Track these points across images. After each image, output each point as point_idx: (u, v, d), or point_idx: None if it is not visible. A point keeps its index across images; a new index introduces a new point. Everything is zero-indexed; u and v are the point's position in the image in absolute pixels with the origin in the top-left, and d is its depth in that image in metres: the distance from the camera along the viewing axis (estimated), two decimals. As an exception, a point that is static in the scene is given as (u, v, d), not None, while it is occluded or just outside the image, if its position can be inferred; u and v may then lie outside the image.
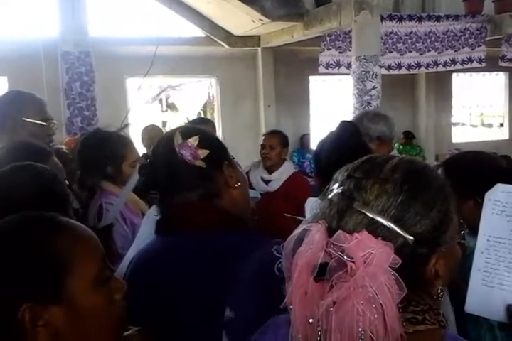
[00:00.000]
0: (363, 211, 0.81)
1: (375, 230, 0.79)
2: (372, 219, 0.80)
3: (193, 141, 1.27)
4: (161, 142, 1.34)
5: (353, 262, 0.76)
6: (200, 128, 1.40)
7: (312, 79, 9.13)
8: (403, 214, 0.81)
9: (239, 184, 1.33)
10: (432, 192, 0.85)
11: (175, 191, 1.28)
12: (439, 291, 0.87)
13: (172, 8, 7.76)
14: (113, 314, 0.98)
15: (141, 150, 4.34)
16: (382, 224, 0.80)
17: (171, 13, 7.88)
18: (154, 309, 1.23)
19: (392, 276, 0.76)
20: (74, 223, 1.01)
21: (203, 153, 1.27)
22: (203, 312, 1.18)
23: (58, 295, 0.90)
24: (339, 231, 0.79)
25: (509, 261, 1.41)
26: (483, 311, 1.43)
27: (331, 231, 0.81)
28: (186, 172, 1.26)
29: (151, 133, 4.77)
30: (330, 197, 0.86)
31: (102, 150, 2.38)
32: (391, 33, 6.88)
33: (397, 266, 0.76)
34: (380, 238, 0.78)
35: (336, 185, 0.87)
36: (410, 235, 0.80)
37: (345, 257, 0.76)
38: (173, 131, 1.32)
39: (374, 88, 5.42)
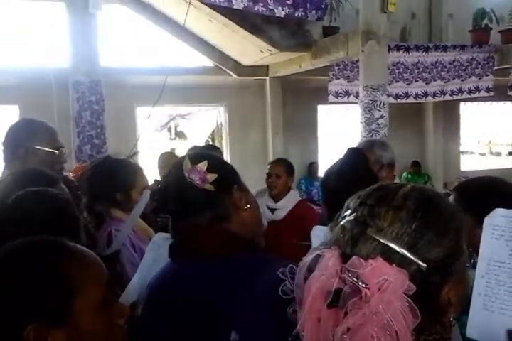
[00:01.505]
0: (377, 237, 0.81)
1: (389, 257, 0.79)
2: (386, 245, 0.80)
3: (202, 165, 1.30)
4: (172, 168, 1.38)
5: (368, 288, 0.76)
6: (209, 153, 1.43)
7: (320, 108, 9.20)
8: (417, 241, 0.81)
9: (248, 206, 1.35)
10: (444, 220, 0.86)
11: (185, 215, 1.30)
12: (451, 319, 0.86)
13: (181, 39, 7.90)
14: (115, 337, 1.00)
15: (157, 176, 4.36)
16: (396, 251, 0.80)
17: (180, 44, 8.02)
18: (165, 331, 1.26)
19: (407, 303, 0.76)
20: (81, 248, 1.03)
21: (212, 177, 1.29)
22: (209, 335, 1.19)
23: (63, 318, 0.92)
24: (354, 257, 0.79)
25: (509, 285, 1.41)
26: (484, 336, 1.41)
27: (344, 257, 0.81)
28: (196, 196, 1.29)
29: (166, 160, 4.80)
30: (342, 223, 0.86)
31: (112, 177, 2.40)
32: (398, 62, 6.95)
33: (411, 293, 0.76)
34: (394, 265, 0.78)
35: (349, 211, 0.88)
36: (423, 262, 0.80)
37: (360, 283, 0.76)
38: (182, 157, 1.35)
39: (381, 117, 5.44)
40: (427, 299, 0.81)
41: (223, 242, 1.27)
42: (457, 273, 0.85)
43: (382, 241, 0.80)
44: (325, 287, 0.79)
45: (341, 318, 0.76)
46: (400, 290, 0.76)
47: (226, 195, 1.32)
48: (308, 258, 0.84)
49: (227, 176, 1.35)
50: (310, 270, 0.83)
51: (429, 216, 0.84)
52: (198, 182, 1.28)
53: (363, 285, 0.76)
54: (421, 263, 0.80)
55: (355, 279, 0.77)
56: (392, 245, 0.80)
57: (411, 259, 0.80)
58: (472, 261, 0.99)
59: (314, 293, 0.79)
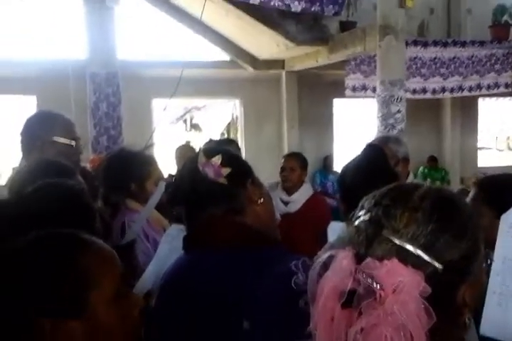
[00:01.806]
0: (393, 239, 0.80)
1: (405, 258, 0.79)
2: (402, 246, 0.80)
3: (216, 159, 1.32)
4: (187, 162, 1.40)
5: (383, 290, 0.75)
6: (223, 148, 1.46)
7: (336, 101, 9.17)
8: (433, 242, 0.81)
9: (262, 200, 1.37)
10: (461, 222, 0.85)
11: (199, 208, 1.32)
12: (467, 320, 0.86)
13: (198, 32, 7.90)
14: (129, 328, 1.02)
15: (173, 168, 4.39)
16: (411, 252, 0.79)
17: (197, 37, 8.03)
18: (179, 320, 1.29)
19: (422, 305, 0.75)
20: (97, 241, 1.04)
21: (226, 170, 1.31)
22: (221, 324, 1.21)
23: (78, 311, 0.94)
24: (369, 258, 0.79)
25: (524, 284, 1.40)
26: (498, 334, 1.41)
27: (358, 258, 0.80)
28: (210, 189, 1.30)
29: (183, 153, 4.84)
30: (357, 223, 0.86)
31: (127, 168, 2.42)
32: (415, 58, 6.90)
33: (427, 295, 0.76)
34: (409, 266, 0.78)
35: (363, 211, 0.87)
36: (440, 264, 0.80)
37: (375, 284, 0.76)
38: (197, 152, 1.37)
39: (399, 111, 5.41)
40: (443, 300, 0.81)
41: (237, 234, 1.29)
42: (473, 274, 0.85)
43: (398, 242, 0.80)
44: (339, 287, 0.78)
45: (355, 319, 0.76)
46: (415, 292, 0.75)
47: (240, 188, 1.33)
48: (322, 257, 0.84)
49: (241, 170, 1.36)
50: (325, 266, 0.83)
51: (446, 217, 0.84)
52: (212, 175, 1.30)
53: (378, 287, 0.75)
54: (437, 265, 0.79)
55: (369, 280, 0.76)
56: (407, 246, 0.80)
57: (427, 260, 0.79)
58: (489, 261, 0.98)
59: (328, 292, 0.79)
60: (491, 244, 1.24)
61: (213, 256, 1.28)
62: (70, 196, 1.52)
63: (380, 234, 0.81)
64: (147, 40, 8.29)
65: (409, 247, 0.79)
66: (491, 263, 1.31)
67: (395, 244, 0.80)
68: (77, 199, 1.54)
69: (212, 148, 1.44)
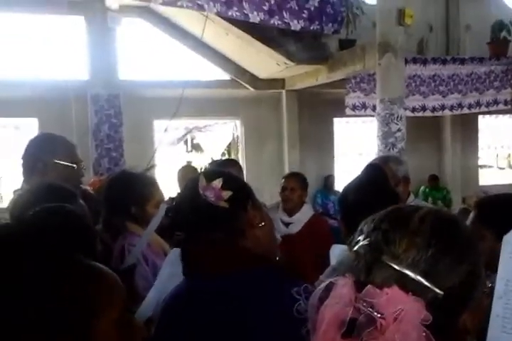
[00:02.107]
0: (392, 264, 0.79)
1: (405, 285, 0.78)
2: (402, 273, 0.78)
3: (217, 183, 1.31)
4: (187, 185, 1.38)
5: (384, 318, 0.74)
6: (224, 171, 1.45)
7: (336, 120, 9.19)
8: (433, 268, 0.80)
9: (263, 224, 1.36)
10: (461, 246, 0.84)
11: (199, 232, 1.31)
12: None
13: (199, 52, 7.97)
14: None
15: (175, 189, 4.38)
16: (411, 278, 0.78)
17: (197, 57, 8.09)
18: None
19: (423, 333, 0.74)
20: (100, 267, 1.03)
21: (227, 194, 1.30)
22: None
23: (82, 339, 0.91)
24: (369, 286, 0.78)
25: (528, 307, 1.37)
26: None
27: (358, 285, 0.79)
28: (210, 213, 1.29)
29: (185, 174, 4.84)
30: (356, 249, 0.85)
31: (128, 191, 2.41)
32: (414, 75, 6.93)
33: (428, 323, 0.74)
34: (410, 293, 0.77)
35: (362, 236, 0.86)
36: (440, 289, 0.78)
37: (376, 313, 0.75)
38: (197, 175, 1.36)
39: (399, 130, 5.42)
40: (444, 327, 0.79)
41: (238, 258, 1.27)
42: (474, 299, 0.84)
43: (398, 268, 0.79)
44: (339, 316, 0.77)
45: None
46: (417, 320, 0.74)
47: (241, 212, 1.32)
48: (322, 286, 0.82)
49: (241, 193, 1.35)
50: (326, 293, 0.81)
51: (446, 241, 0.83)
52: (212, 199, 1.29)
53: (379, 315, 0.74)
54: (438, 291, 0.78)
55: (370, 309, 0.75)
56: (407, 272, 0.78)
57: (427, 287, 0.78)
58: (490, 285, 0.96)
59: (328, 321, 0.78)
60: (492, 267, 1.22)
61: (213, 282, 1.26)
62: (68, 222, 1.50)
63: (380, 259, 0.80)
64: (148, 60, 8.35)
65: (410, 273, 0.78)
66: (492, 287, 1.29)
67: (395, 270, 0.79)
68: (76, 226, 1.53)
69: (213, 171, 1.44)
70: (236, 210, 1.31)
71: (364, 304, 0.76)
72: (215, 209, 1.29)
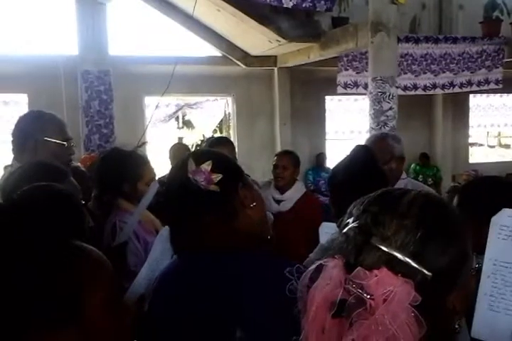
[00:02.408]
0: (382, 247, 0.80)
1: (394, 267, 0.79)
2: (391, 255, 0.79)
3: (206, 166, 1.28)
4: (175, 168, 1.35)
5: (373, 299, 0.75)
6: (213, 152, 1.42)
7: (328, 98, 9.18)
8: (422, 250, 0.81)
9: (254, 204, 1.34)
10: (449, 229, 0.85)
11: (191, 215, 1.30)
12: (457, 326, 0.86)
13: (190, 28, 7.88)
14: (121, 336, 1.02)
15: (167, 167, 4.39)
16: (400, 260, 0.79)
17: (189, 33, 8.00)
18: (172, 325, 1.27)
19: (413, 314, 0.75)
20: (88, 247, 1.04)
21: (217, 177, 1.27)
22: (214, 332, 1.19)
23: (71, 317, 0.94)
24: (358, 268, 0.78)
25: (516, 286, 1.40)
26: (489, 336, 1.41)
27: (348, 267, 0.80)
28: (201, 197, 1.27)
29: (177, 152, 4.84)
30: (345, 231, 0.85)
31: (120, 168, 2.42)
32: (406, 54, 6.90)
33: (417, 304, 0.76)
34: (399, 274, 0.78)
35: (351, 219, 0.86)
36: (429, 271, 0.80)
37: (365, 294, 0.76)
38: (186, 158, 1.32)
39: (390, 109, 5.42)
40: (433, 307, 0.81)
41: (230, 239, 1.26)
42: (462, 280, 0.85)
43: (387, 250, 0.80)
44: (329, 297, 0.78)
45: (346, 329, 0.76)
46: (406, 302, 0.75)
47: (232, 193, 1.30)
48: (311, 267, 0.83)
49: (232, 175, 1.33)
50: (316, 274, 0.82)
51: (434, 224, 0.84)
52: (202, 183, 1.26)
53: (368, 297, 0.75)
54: (426, 272, 0.79)
55: (359, 290, 0.76)
56: (396, 254, 0.79)
57: (416, 268, 0.79)
58: (477, 265, 0.98)
59: (318, 303, 0.79)
60: (477, 248, 1.25)
61: (206, 261, 1.26)
62: (57, 200, 1.51)
63: (369, 242, 0.81)
64: (139, 36, 8.26)
65: (398, 255, 0.79)
66: (479, 268, 1.32)
67: (384, 252, 0.80)
68: (66, 203, 1.53)
69: (202, 153, 1.40)
70: (227, 193, 1.29)
71: (354, 285, 0.77)
72: (206, 193, 1.26)
